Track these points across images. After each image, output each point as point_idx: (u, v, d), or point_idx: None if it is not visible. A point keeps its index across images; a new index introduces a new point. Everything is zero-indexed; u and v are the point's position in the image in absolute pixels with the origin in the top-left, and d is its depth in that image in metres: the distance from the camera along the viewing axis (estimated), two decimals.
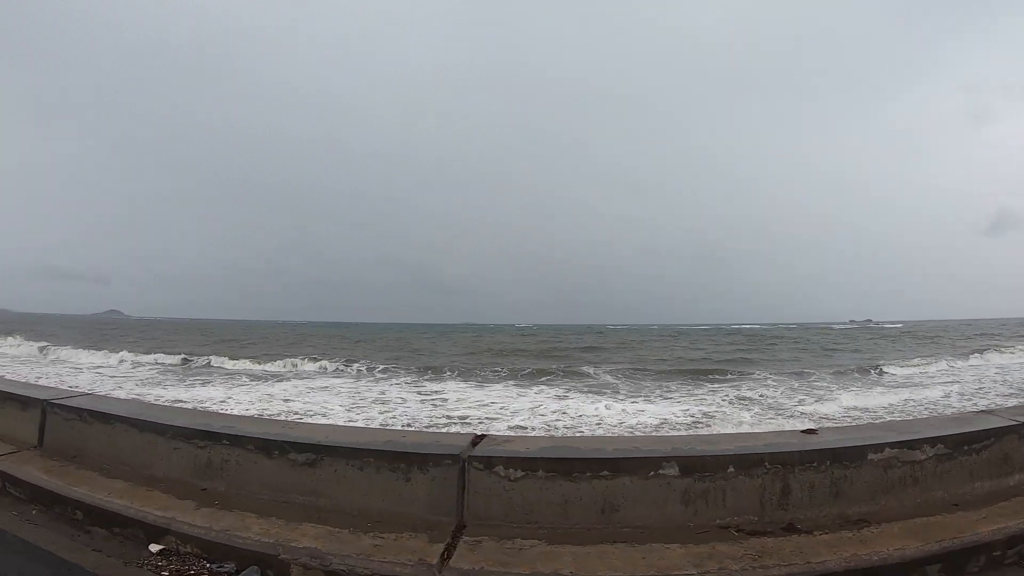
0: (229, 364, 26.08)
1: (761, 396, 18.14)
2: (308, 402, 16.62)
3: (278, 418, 13.47)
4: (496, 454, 3.13)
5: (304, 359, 27.78)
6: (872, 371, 24.94)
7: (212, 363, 26.53)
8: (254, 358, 27.73)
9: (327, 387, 21.71)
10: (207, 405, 15.49)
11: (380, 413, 15.15)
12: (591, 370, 25.54)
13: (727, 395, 18.45)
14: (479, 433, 3.82)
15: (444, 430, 13.09)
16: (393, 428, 12.89)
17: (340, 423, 12.98)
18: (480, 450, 3.21)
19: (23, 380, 18.58)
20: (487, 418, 14.41)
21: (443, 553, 2.77)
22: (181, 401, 16.69)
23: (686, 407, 16.21)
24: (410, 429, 12.73)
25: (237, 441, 3.45)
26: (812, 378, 22.70)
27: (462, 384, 23.39)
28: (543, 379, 24.28)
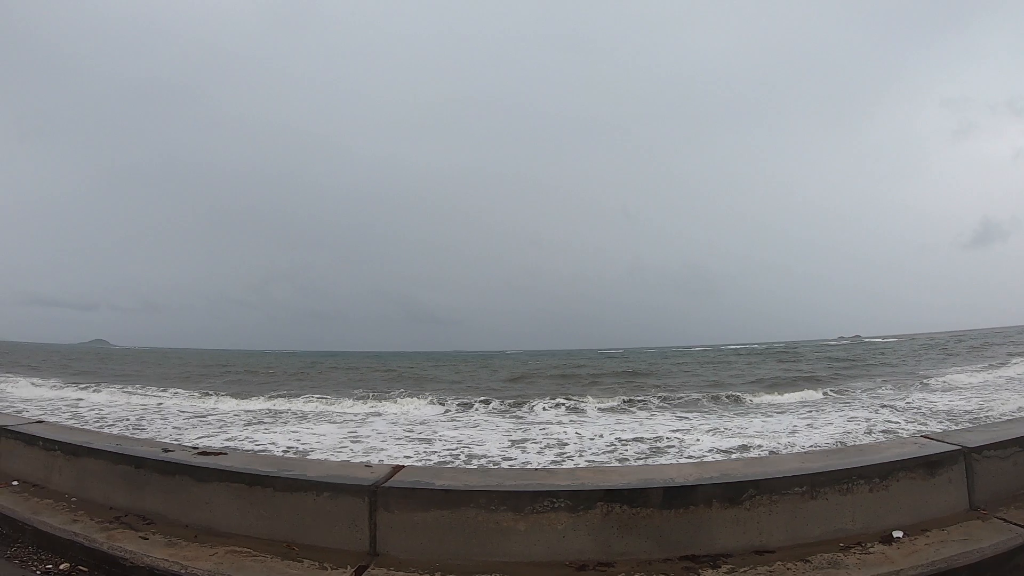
0: (300, 404, 24.21)
1: (897, 406, 17.92)
2: (466, 441, 15.17)
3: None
4: None
5: (381, 392, 26.11)
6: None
7: (275, 404, 24.59)
8: (322, 397, 25.91)
9: (426, 421, 20.20)
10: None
11: (547, 447, 13.96)
12: (687, 395, 24.91)
13: (861, 409, 18.17)
14: None
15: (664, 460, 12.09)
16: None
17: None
18: None
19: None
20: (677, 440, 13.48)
21: None
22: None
23: (845, 420, 15.78)
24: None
25: None
26: (906, 388, 22.72)
27: (556, 412, 22.30)
28: (629, 401, 23.40)
